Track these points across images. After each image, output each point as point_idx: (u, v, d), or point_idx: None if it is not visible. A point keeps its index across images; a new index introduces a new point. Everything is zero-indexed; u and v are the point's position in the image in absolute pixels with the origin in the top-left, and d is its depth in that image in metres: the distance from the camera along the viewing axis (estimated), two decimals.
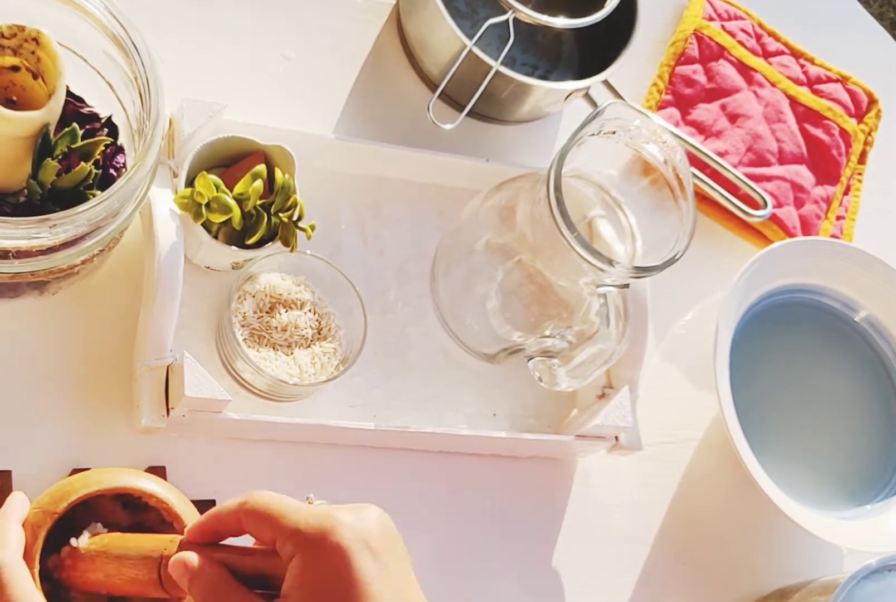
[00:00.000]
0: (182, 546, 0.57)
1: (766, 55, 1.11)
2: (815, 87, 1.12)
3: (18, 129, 0.70)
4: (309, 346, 0.83)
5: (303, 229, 0.81)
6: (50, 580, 0.67)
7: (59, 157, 0.72)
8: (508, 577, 0.89)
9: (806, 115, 1.10)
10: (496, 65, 0.89)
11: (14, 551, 0.63)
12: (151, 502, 0.68)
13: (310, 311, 0.83)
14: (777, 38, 1.12)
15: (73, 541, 0.66)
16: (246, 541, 0.57)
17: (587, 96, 0.97)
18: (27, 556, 0.63)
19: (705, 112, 1.06)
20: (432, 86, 0.97)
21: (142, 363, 0.77)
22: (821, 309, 1.05)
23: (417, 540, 0.86)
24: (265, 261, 0.82)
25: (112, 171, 0.76)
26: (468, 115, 0.91)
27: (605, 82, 0.97)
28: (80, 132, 0.74)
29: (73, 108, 0.76)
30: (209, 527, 0.56)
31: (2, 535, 0.63)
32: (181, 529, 0.67)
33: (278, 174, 0.80)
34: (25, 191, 0.73)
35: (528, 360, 0.86)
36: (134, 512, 0.70)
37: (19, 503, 0.66)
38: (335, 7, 0.98)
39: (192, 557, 0.55)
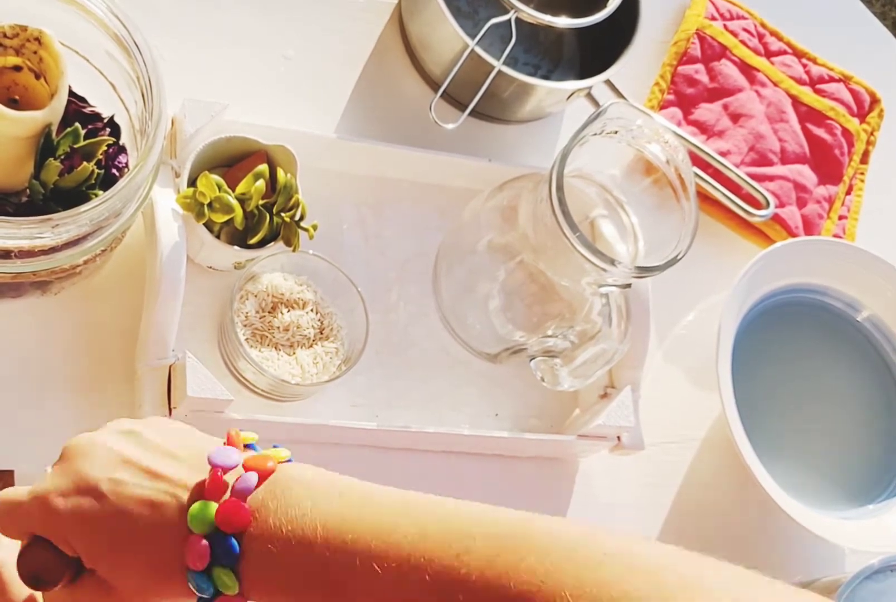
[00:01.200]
0: None
1: (769, 55, 1.11)
2: (818, 86, 1.12)
3: (21, 129, 0.70)
4: (311, 346, 0.83)
5: (305, 229, 0.81)
6: None
7: (62, 156, 0.72)
8: None
9: (808, 115, 1.10)
10: (498, 64, 0.89)
11: (12, 551, 0.62)
12: None
13: (312, 310, 0.83)
14: (779, 38, 1.12)
15: None
16: None
17: (589, 96, 0.97)
18: None
19: (707, 112, 1.06)
20: (434, 85, 0.97)
21: (144, 363, 0.77)
22: (823, 309, 1.05)
23: None
24: (267, 261, 0.82)
25: (114, 170, 0.76)
26: (470, 114, 0.91)
27: (608, 82, 0.96)
28: (83, 132, 0.74)
29: (76, 108, 0.76)
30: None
31: None
32: None
33: (280, 174, 0.80)
34: (28, 191, 0.73)
35: (531, 360, 0.86)
36: None
37: None
38: (337, 7, 0.98)
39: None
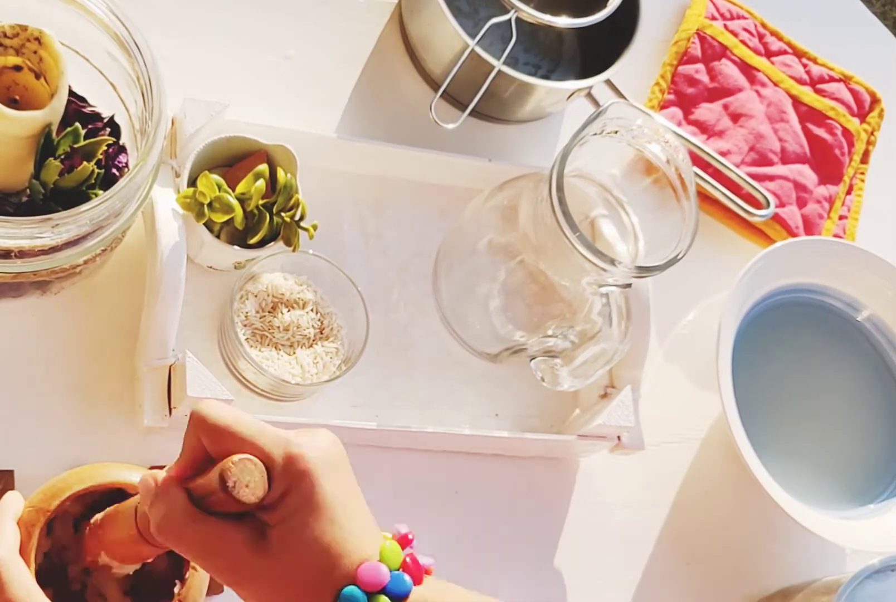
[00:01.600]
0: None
1: (769, 54, 1.11)
2: (818, 86, 1.12)
3: (21, 129, 0.70)
4: (311, 346, 0.83)
5: (305, 229, 0.81)
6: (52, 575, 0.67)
7: (62, 156, 0.72)
8: (511, 577, 0.88)
9: (808, 115, 1.10)
10: (498, 64, 0.89)
11: (10, 549, 0.63)
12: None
13: (312, 310, 0.83)
14: (779, 38, 1.12)
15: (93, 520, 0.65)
16: None
17: (589, 96, 0.97)
18: (22, 554, 0.63)
19: (708, 111, 1.06)
20: (434, 85, 0.97)
21: (144, 363, 0.77)
22: (823, 308, 1.05)
23: (419, 539, 0.86)
24: (267, 260, 0.82)
25: (114, 170, 0.76)
26: (470, 114, 0.91)
27: (608, 82, 0.97)
28: (83, 132, 0.74)
29: (76, 108, 0.76)
30: (184, 461, 0.55)
31: None
32: None
33: (280, 174, 0.80)
34: (28, 190, 0.73)
35: (531, 360, 0.86)
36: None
37: (13, 501, 0.67)
38: (337, 6, 0.98)
39: (155, 474, 0.55)
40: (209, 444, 0.53)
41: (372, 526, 0.55)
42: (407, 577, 0.53)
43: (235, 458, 0.51)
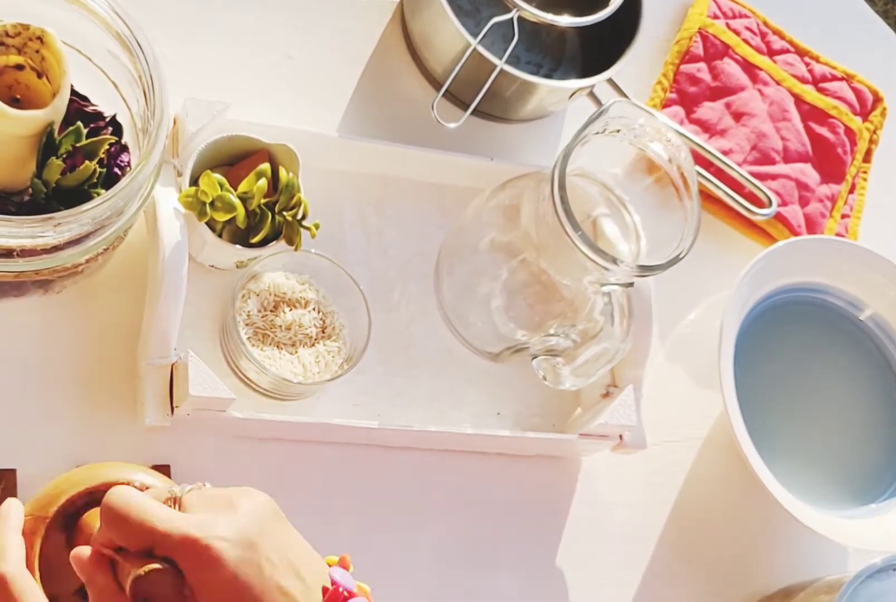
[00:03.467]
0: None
1: (771, 53, 1.11)
2: (820, 85, 1.12)
3: (23, 128, 0.70)
4: (313, 345, 0.83)
5: (307, 228, 0.81)
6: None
7: (64, 155, 0.72)
8: (512, 576, 0.88)
9: (811, 114, 1.10)
10: (500, 63, 0.89)
11: (17, 562, 0.61)
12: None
13: (314, 309, 0.83)
14: (782, 37, 1.12)
15: None
16: None
17: (591, 95, 0.97)
18: (28, 567, 0.62)
19: (710, 110, 1.06)
20: (436, 84, 0.97)
21: (146, 362, 0.77)
22: (825, 307, 1.05)
23: (421, 538, 0.86)
24: (269, 259, 0.82)
25: (116, 169, 0.76)
26: (472, 113, 0.91)
27: (610, 81, 0.96)
28: (85, 131, 0.74)
29: (78, 107, 0.76)
30: (106, 539, 0.54)
31: (1, 547, 0.62)
32: None
33: (282, 173, 0.80)
34: (30, 190, 0.73)
35: (532, 359, 0.86)
36: None
37: (15, 511, 0.65)
38: (339, 6, 0.98)
39: (80, 552, 0.54)
40: (115, 535, 0.52)
41: (309, 572, 0.53)
42: None
43: (142, 570, 0.50)
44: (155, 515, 0.52)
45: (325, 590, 0.53)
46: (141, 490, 0.61)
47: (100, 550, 0.53)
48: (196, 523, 0.51)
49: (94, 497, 0.67)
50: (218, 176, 0.79)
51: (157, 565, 0.50)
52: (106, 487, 0.66)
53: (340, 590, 0.53)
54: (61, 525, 0.66)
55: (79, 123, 0.73)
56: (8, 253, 0.68)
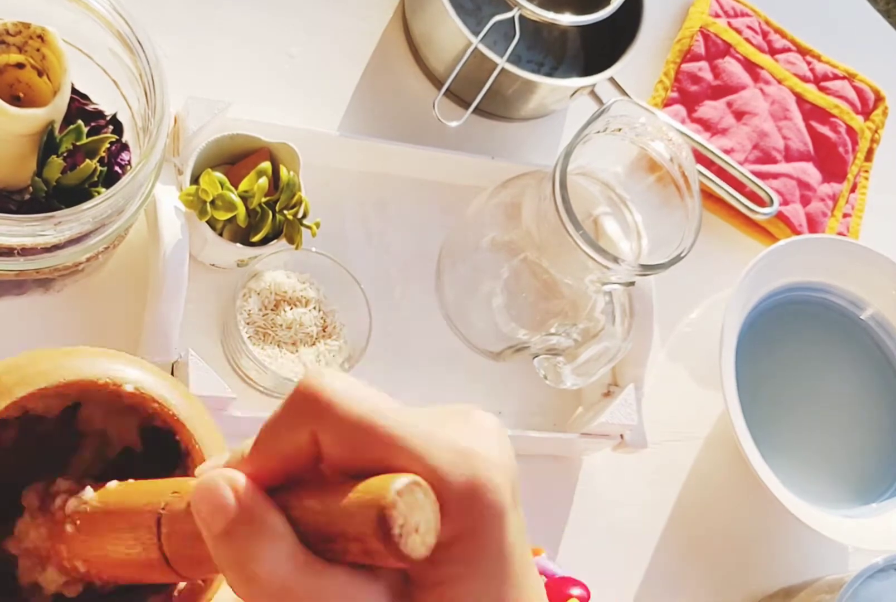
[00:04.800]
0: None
1: (773, 52, 1.11)
2: (822, 84, 1.12)
3: (23, 127, 0.70)
4: (314, 344, 0.83)
5: (308, 227, 0.81)
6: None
7: (64, 154, 0.72)
8: None
9: (812, 113, 1.09)
10: (502, 62, 0.88)
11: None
12: (137, 404, 0.43)
13: (315, 308, 0.83)
14: (783, 35, 1.12)
15: (72, 500, 0.41)
16: None
17: (593, 93, 0.97)
18: None
19: (711, 109, 1.06)
20: (438, 83, 0.97)
21: (147, 360, 0.77)
22: (827, 307, 1.05)
23: None
24: (270, 258, 0.82)
25: (117, 168, 0.76)
26: (473, 112, 0.91)
27: (611, 79, 0.96)
28: (86, 129, 0.74)
29: (78, 106, 0.76)
30: (272, 461, 0.36)
31: None
32: (195, 464, 0.42)
33: (283, 171, 0.80)
34: (30, 188, 0.73)
35: (534, 358, 0.86)
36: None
37: None
38: (340, 4, 0.98)
39: (233, 478, 0.34)
40: (339, 449, 0.34)
41: (537, 578, 0.38)
42: None
43: (398, 483, 0.33)
44: (409, 424, 0.35)
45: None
46: (129, 398, 0.43)
47: (259, 483, 0.33)
48: (469, 445, 0.35)
49: (60, 400, 0.44)
50: (219, 174, 0.79)
51: (416, 479, 0.33)
52: (77, 387, 0.45)
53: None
54: (11, 445, 0.45)
55: (79, 122, 0.73)
56: (8, 251, 0.68)
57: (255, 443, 0.36)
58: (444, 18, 0.90)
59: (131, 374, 0.44)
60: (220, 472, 0.34)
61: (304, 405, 0.36)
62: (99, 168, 0.73)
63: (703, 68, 1.07)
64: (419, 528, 0.32)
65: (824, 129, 1.09)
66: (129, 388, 0.43)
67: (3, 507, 0.43)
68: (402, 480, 0.32)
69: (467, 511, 0.34)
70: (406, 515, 0.32)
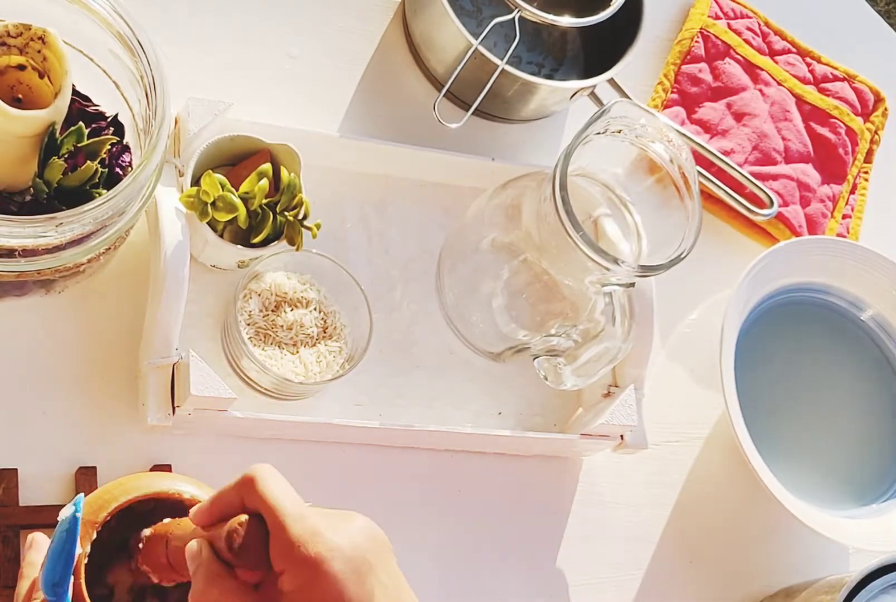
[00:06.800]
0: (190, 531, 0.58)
1: (773, 53, 1.11)
2: (822, 85, 1.12)
3: (24, 128, 0.70)
4: (314, 345, 0.83)
5: (308, 228, 0.81)
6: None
7: (65, 155, 0.72)
8: (513, 576, 0.89)
9: (812, 114, 1.10)
10: (502, 64, 0.89)
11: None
12: (190, 504, 0.66)
13: (315, 309, 0.83)
14: (783, 37, 1.12)
15: (145, 531, 0.65)
16: None
17: (593, 95, 0.97)
18: (75, 570, 0.62)
19: (711, 111, 1.06)
20: (438, 84, 0.97)
21: (147, 361, 0.77)
22: (827, 308, 1.05)
23: (422, 538, 0.86)
24: (271, 259, 0.82)
25: (118, 169, 0.76)
26: (474, 113, 0.91)
27: (611, 81, 0.96)
28: (86, 131, 0.74)
29: (79, 107, 0.76)
30: (213, 510, 0.55)
31: None
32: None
33: (284, 173, 0.80)
34: (31, 189, 0.73)
35: (534, 359, 0.86)
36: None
37: None
38: (341, 5, 0.98)
39: (198, 547, 0.55)
40: (240, 499, 0.54)
41: None
42: None
43: (242, 518, 0.52)
44: (289, 500, 0.52)
45: None
46: (189, 502, 0.67)
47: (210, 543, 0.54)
48: (313, 533, 0.51)
49: (142, 506, 0.68)
50: (219, 176, 0.79)
51: (244, 518, 0.52)
52: (154, 497, 0.68)
53: None
54: (110, 530, 0.67)
55: (80, 123, 0.73)
56: (10, 253, 0.68)
57: (211, 501, 0.55)
58: (445, 20, 0.90)
59: (186, 488, 0.68)
60: (197, 541, 0.55)
61: (241, 482, 0.54)
62: (100, 169, 0.73)
63: (702, 70, 1.07)
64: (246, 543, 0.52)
65: (824, 131, 1.09)
66: (186, 495, 0.68)
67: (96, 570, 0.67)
68: (243, 517, 0.53)
69: (312, 573, 0.50)
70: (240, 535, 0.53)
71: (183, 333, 0.78)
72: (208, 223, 0.79)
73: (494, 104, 0.95)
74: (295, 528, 0.51)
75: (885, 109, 1.15)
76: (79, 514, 0.59)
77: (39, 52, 0.71)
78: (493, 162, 0.93)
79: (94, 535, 0.65)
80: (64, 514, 0.59)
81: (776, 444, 0.97)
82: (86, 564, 0.64)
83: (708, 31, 1.08)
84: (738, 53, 1.08)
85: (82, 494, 0.61)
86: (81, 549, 0.63)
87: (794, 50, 1.12)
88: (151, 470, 0.78)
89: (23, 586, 0.62)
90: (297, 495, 0.53)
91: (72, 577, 0.60)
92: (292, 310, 0.83)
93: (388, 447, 0.86)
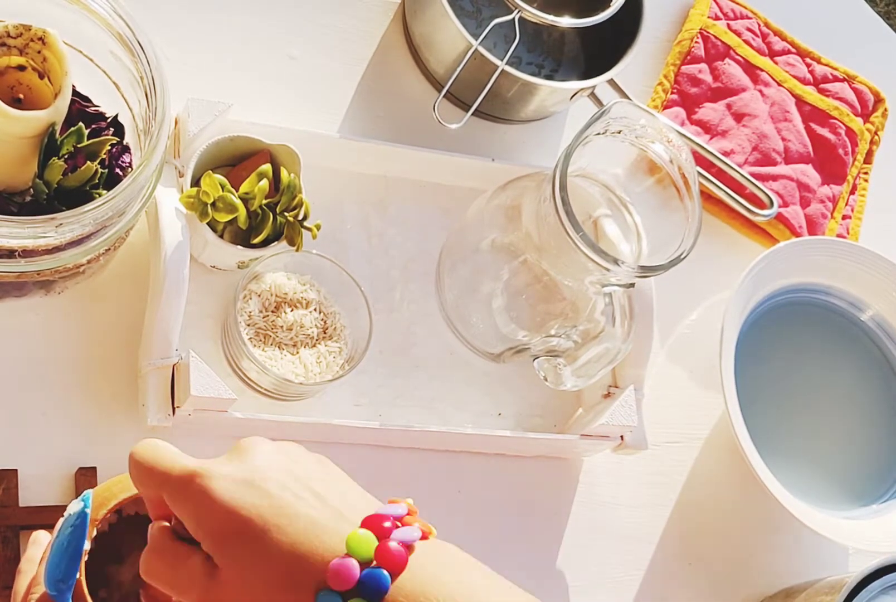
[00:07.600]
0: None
1: (772, 54, 1.11)
2: (821, 86, 1.12)
3: (24, 129, 0.70)
4: (314, 346, 0.83)
5: (308, 228, 0.81)
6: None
7: (65, 156, 0.72)
8: (513, 577, 0.88)
9: (812, 115, 1.10)
10: (502, 64, 0.89)
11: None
12: None
13: (315, 310, 0.83)
14: (783, 37, 1.12)
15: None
16: None
17: (593, 95, 0.97)
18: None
19: (711, 111, 1.06)
20: (438, 85, 0.97)
21: (147, 362, 0.77)
22: (827, 308, 1.05)
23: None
24: (271, 260, 0.82)
25: (118, 170, 0.76)
26: (474, 114, 0.91)
27: (611, 81, 0.96)
28: (86, 131, 0.74)
29: (79, 108, 0.76)
30: (148, 503, 0.55)
31: None
32: None
33: (284, 173, 0.80)
34: (31, 190, 0.73)
35: (534, 360, 0.86)
36: None
37: None
38: (341, 6, 0.98)
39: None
40: (139, 489, 0.53)
41: (346, 506, 0.50)
42: (383, 572, 0.46)
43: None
44: (165, 457, 0.52)
45: (365, 519, 0.49)
46: None
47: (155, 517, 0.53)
48: (201, 464, 0.50)
49: (142, 504, 0.68)
50: (219, 176, 0.79)
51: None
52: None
53: (387, 515, 0.49)
54: (110, 526, 0.67)
55: (80, 124, 0.73)
56: (9, 253, 0.68)
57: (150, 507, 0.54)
58: (445, 21, 0.90)
59: None
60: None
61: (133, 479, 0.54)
62: (100, 170, 0.73)
63: (702, 70, 1.07)
64: None
65: (824, 131, 1.09)
66: None
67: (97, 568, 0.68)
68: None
69: (185, 494, 0.50)
70: None
71: (183, 334, 0.78)
72: (208, 224, 0.79)
73: (494, 105, 0.95)
74: (172, 478, 0.50)
75: (885, 110, 1.15)
76: (88, 510, 0.58)
77: (39, 52, 0.71)
78: (493, 162, 0.93)
79: (94, 532, 0.65)
80: (72, 509, 0.59)
81: (776, 444, 0.97)
82: (86, 561, 0.64)
83: (708, 32, 1.08)
84: (737, 54, 1.08)
85: (91, 490, 0.60)
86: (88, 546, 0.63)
87: (793, 50, 1.12)
88: None
89: (21, 582, 0.62)
90: (184, 455, 0.52)
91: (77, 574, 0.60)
92: (292, 310, 0.83)
93: (387, 447, 0.86)
